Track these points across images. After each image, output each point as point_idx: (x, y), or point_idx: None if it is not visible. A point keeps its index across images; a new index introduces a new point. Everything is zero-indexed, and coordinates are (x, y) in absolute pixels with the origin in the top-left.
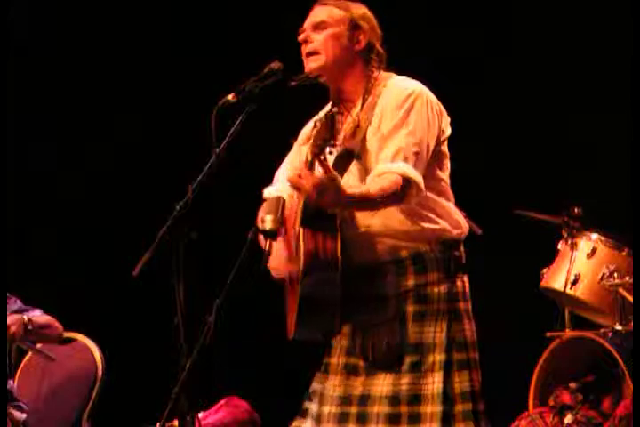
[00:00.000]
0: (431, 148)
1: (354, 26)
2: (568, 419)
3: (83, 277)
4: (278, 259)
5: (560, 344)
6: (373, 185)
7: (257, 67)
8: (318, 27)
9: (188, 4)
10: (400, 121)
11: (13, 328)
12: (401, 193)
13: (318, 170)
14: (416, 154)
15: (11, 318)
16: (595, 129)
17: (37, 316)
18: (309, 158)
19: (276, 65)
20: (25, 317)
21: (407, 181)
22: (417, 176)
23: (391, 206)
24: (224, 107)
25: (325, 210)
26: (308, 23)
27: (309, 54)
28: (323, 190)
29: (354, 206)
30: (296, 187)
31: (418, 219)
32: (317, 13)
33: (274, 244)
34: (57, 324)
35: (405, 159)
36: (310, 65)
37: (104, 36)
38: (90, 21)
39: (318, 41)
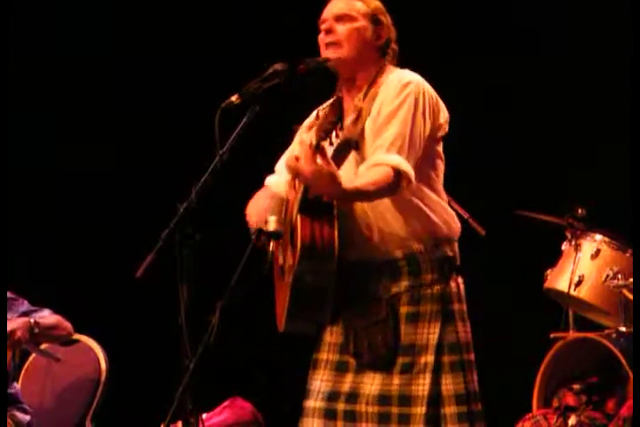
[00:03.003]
0: (424, 139)
1: (376, 20)
2: (572, 420)
3: (86, 278)
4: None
5: (564, 345)
6: (366, 178)
7: (261, 68)
8: (343, 18)
9: (193, 4)
10: (394, 110)
11: (19, 333)
12: (392, 185)
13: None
14: (408, 145)
15: (17, 322)
16: (600, 129)
17: (45, 316)
18: (314, 142)
19: (279, 66)
20: (31, 320)
21: (398, 174)
22: (408, 168)
23: (383, 198)
24: (228, 108)
25: (323, 198)
26: (329, 13)
27: (330, 44)
28: (319, 178)
29: (347, 199)
30: (295, 172)
31: (412, 214)
32: (340, 5)
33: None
34: (65, 323)
35: (398, 150)
36: (330, 53)
37: (108, 37)
38: (92, 21)
39: (342, 33)
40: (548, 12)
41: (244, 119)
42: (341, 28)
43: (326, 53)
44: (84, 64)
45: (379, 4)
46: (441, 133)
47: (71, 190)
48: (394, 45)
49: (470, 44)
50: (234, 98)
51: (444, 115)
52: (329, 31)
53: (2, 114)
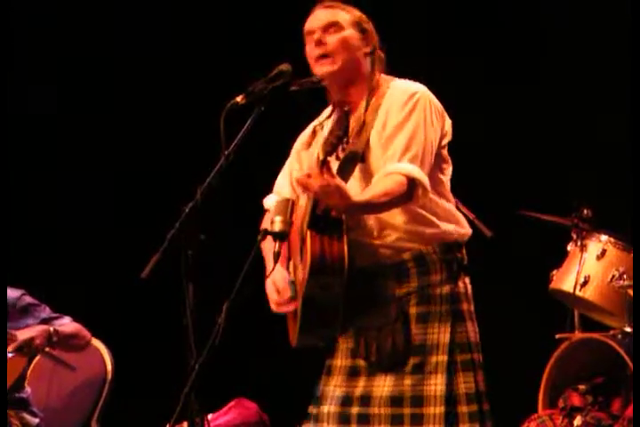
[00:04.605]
0: (435, 147)
1: (362, 29)
2: (577, 421)
3: (91, 279)
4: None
5: (569, 346)
6: (378, 189)
7: (266, 68)
8: (330, 28)
9: (197, 3)
10: (403, 120)
11: (38, 341)
12: (407, 194)
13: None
14: (421, 153)
15: (36, 330)
16: (604, 128)
17: (65, 324)
18: (321, 157)
19: (284, 67)
20: (51, 328)
21: (413, 182)
22: (423, 176)
23: (398, 207)
24: (233, 108)
25: (332, 213)
26: (316, 25)
27: (322, 57)
28: (328, 193)
29: (358, 212)
30: (304, 187)
31: (419, 222)
32: (325, 15)
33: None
34: (84, 332)
35: (411, 159)
36: (323, 69)
37: (112, 36)
38: (96, 20)
39: (333, 43)
40: (548, 16)
41: (250, 120)
42: (331, 39)
43: (319, 66)
44: (88, 64)
45: (361, 13)
46: (446, 140)
47: (75, 191)
48: (380, 53)
49: (473, 44)
50: (239, 98)
51: (448, 123)
52: (319, 43)
53: (3, 113)
